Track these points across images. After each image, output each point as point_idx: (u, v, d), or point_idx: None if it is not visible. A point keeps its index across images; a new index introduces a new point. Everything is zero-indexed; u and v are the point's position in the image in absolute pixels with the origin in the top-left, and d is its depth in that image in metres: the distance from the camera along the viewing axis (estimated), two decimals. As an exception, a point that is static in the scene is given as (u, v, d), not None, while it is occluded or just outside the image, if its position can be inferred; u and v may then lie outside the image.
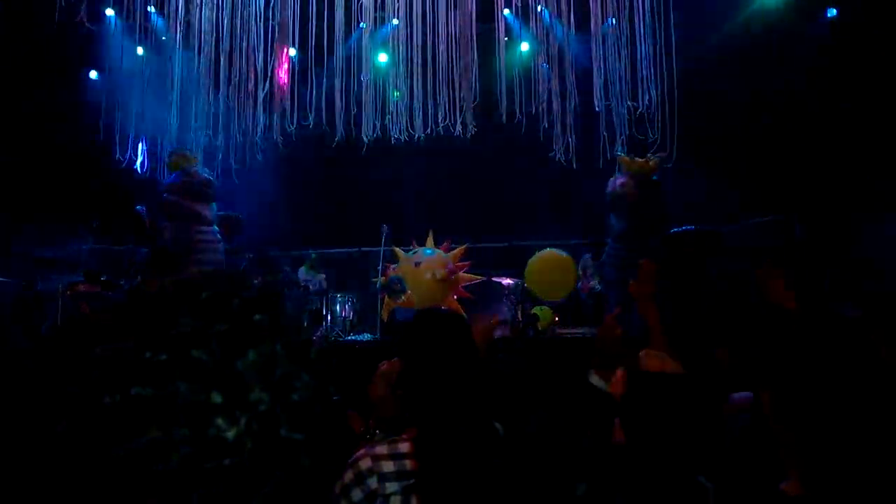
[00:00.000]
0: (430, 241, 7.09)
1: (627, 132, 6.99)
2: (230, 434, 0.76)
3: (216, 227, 6.68)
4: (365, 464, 1.80)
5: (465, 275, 7.01)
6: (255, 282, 0.89)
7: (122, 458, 0.73)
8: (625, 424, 1.86)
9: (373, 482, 1.77)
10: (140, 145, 7.56)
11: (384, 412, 2.32)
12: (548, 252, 7.05)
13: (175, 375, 0.75)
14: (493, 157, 8.11)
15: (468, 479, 1.77)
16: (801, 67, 6.69)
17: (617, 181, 6.48)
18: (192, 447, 0.73)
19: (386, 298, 6.49)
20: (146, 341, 0.78)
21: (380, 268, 6.50)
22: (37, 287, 6.10)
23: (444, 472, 1.79)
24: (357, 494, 1.76)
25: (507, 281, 6.65)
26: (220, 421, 0.75)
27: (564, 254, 7.01)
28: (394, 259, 6.97)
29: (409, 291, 6.37)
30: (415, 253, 6.99)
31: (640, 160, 6.48)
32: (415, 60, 7.27)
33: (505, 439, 1.85)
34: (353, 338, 6.20)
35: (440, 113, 7.26)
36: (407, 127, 7.37)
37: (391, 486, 1.76)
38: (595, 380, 2.34)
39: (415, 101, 7.34)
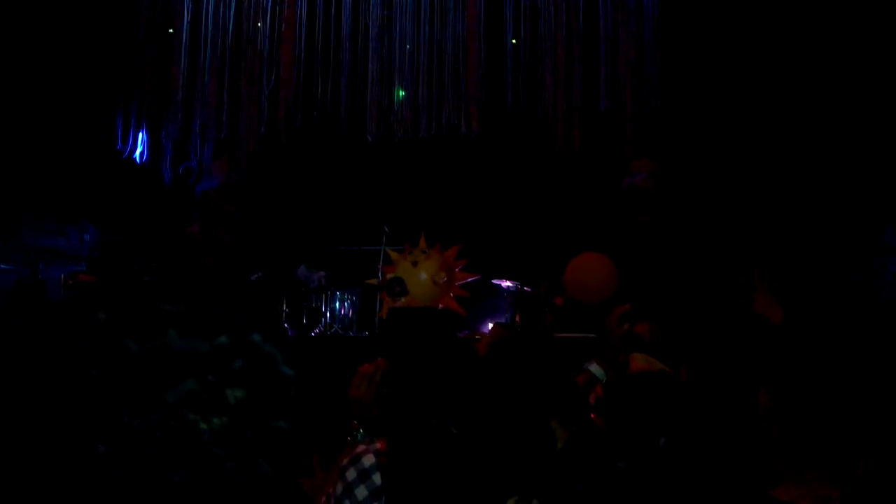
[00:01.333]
0: (422, 243, 7.08)
1: (632, 134, 6.98)
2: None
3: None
4: (369, 460, 1.80)
5: (461, 273, 7.01)
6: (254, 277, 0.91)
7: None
8: (607, 423, 1.87)
9: (377, 479, 1.78)
10: (140, 135, 7.55)
11: (367, 412, 2.31)
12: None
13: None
14: (497, 157, 8.12)
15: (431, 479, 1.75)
16: (813, 63, 6.61)
17: (636, 177, 6.25)
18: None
19: (387, 298, 6.50)
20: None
21: (380, 266, 6.51)
22: (38, 276, 6.11)
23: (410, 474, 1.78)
24: (362, 492, 1.77)
25: (506, 283, 6.66)
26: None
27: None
28: (389, 261, 6.96)
29: (409, 294, 6.36)
30: (411, 253, 6.98)
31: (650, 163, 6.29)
32: (421, 58, 7.29)
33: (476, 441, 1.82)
34: (353, 334, 6.24)
35: (445, 112, 7.28)
36: (410, 126, 7.38)
37: None
38: (594, 368, 2.39)
39: (419, 99, 7.36)
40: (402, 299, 6.31)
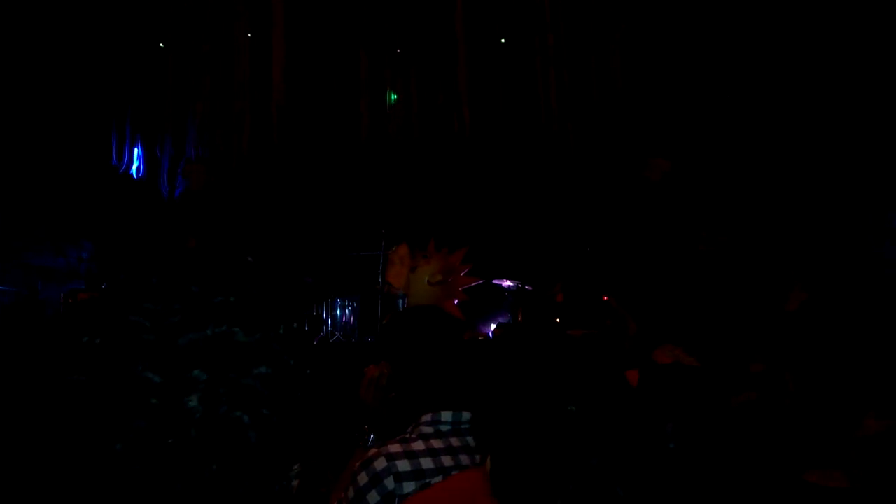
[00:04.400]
0: (431, 247, 7.06)
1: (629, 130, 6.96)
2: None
3: None
4: (380, 464, 1.76)
5: (465, 278, 6.97)
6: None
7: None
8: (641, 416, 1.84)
9: (389, 483, 1.74)
10: (136, 150, 7.53)
11: (377, 416, 2.28)
12: None
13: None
14: (492, 156, 8.09)
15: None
16: (813, 51, 6.53)
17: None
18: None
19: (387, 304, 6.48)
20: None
21: (380, 271, 6.49)
22: (38, 295, 6.09)
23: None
24: (374, 497, 1.73)
25: (507, 283, 6.63)
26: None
27: None
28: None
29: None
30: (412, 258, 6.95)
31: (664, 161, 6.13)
32: (409, 59, 7.31)
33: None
34: (355, 341, 6.22)
35: (436, 112, 7.29)
36: (403, 128, 7.38)
37: (408, 486, 1.73)
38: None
39: (409, 101, 7.37)
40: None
